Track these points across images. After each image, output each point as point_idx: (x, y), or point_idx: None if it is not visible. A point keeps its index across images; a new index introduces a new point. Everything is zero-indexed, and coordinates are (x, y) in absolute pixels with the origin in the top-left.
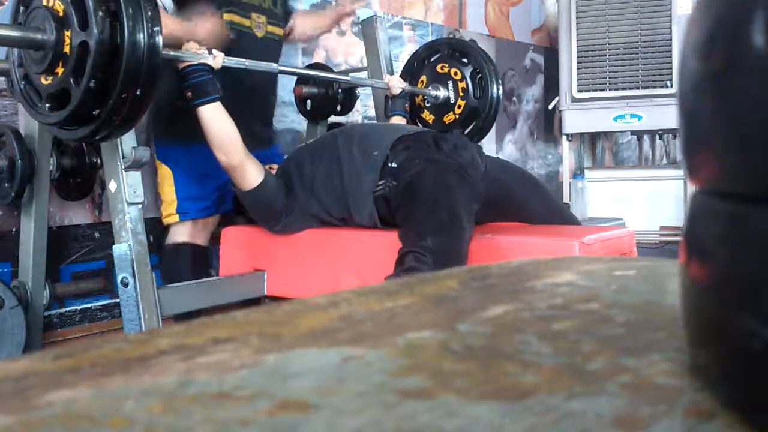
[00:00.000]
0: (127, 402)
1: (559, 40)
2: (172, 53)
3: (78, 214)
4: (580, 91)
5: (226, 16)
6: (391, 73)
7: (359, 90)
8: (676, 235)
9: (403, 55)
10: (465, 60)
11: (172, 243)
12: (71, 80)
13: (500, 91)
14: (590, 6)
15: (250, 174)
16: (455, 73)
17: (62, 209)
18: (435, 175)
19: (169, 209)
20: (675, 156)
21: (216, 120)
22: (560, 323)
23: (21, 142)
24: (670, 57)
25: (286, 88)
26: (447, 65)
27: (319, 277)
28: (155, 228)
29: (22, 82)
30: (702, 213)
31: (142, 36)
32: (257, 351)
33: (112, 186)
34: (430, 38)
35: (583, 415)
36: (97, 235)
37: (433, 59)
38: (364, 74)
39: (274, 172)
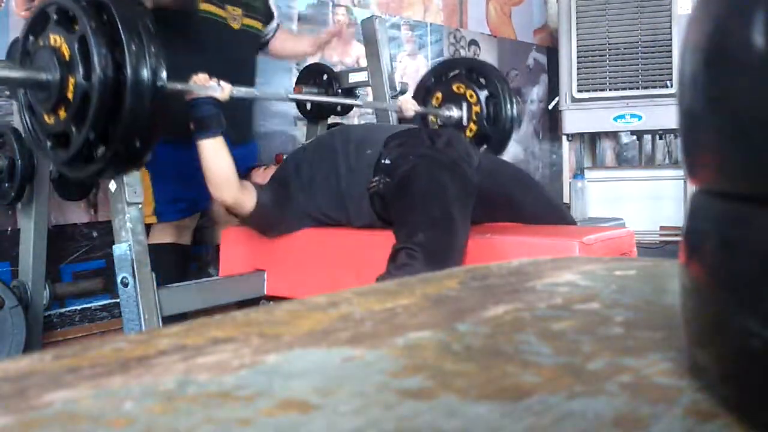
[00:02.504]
0: (127, 402)
1: (559, 40)
2: (179, 86)
3: (74, 214)
4: (580, 91)
5: (203, 6)
6: (392, 74)
7: (359, 90)
8: (676, 235)
9: (401, 55)
10: (482, 81)
11: (156, 243)
12: (72, 126)
13: (515, 116)
14: (590, 6)
15: (245, 204)
16: (470, 96)
17: (58, 209)
18: (427, 171)
19: (147, 210)
20: (676, 156)
21: (216, 157)
22: (560, 323)
23: (21, 142)
24: (670, 57)
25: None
26: (464, 86)
27: (319, 277)
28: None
29: (27, 114)
30: (702, 213)
31: (145, 83)
32: (257, 351)
33: (112, 186)
34: (428, 39)
35: (583, 415)
36: (95, 234)
37: (450, 76)
38: (364, 74)
39: (269, 170)
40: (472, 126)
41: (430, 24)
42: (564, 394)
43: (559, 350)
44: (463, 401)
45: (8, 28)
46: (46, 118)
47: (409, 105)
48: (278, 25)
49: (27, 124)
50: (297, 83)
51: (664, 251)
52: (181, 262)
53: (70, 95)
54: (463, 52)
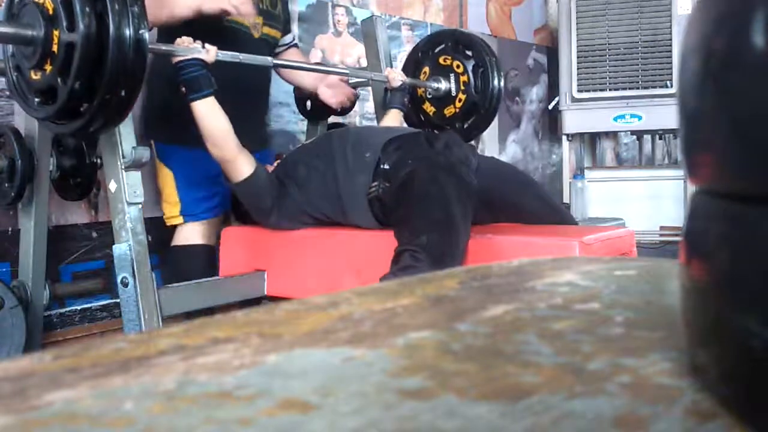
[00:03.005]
0: (127, 402)
1: (559, 40)
2: (164, 48)
3: (75, 214)
4: (580, 91)
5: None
6: None
7: (359, 90)
8: (676, 235)
9: (401, 55)
10: (468, 53)
11: (182, 244)
12: (58, 79)
13: (501, 86)
14: (590, 6)
15: (242, 166)
16: (458, 66)
17: (59, 209)
18: (427, 174)
19: (173, 211)
20: (676, 156)
21: (210, 115)
22: (560, 323)
23: (21, 142)
24: (670, 57)
25: (281, 89)
26: (450, 57)
27: (319, 277)
28: (155, 228)
29: (15, 74)
30: (702, 213)
31: (128, 35)
32: (257, 351)
33: (112, 186)
34: None
35: (583, 415)
36: (95, 234)
37: (436, 50)
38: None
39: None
40: (461, 96)
41: (431, 24)
42: (564, 394)
43: (559, 350)
44: (463, 401)
45: None
46: (32, 74)
47: (395, 74)
48: (293, 39)
49: (14, 84)
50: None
51: (664, 251)
52: (208, 263)
53: (54, 48)
54: None
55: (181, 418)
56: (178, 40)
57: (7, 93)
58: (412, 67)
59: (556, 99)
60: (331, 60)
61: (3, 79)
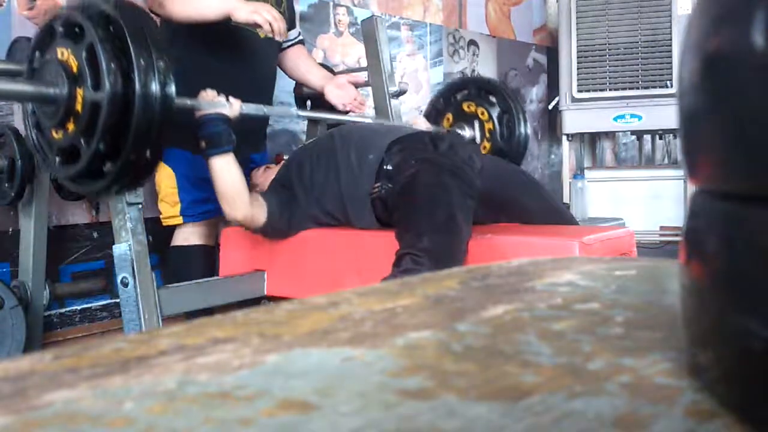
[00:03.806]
0: (127, 402)
1: (559, 40)
2: (189, 102)
3: (75, 214)
4: (580, 91)
5: None
6: (392, 74)
7: (360, 90)
8: (676, 235)
9: (401, 55)
10: (492, 99)
11: (182, 245)
12: (81, 139)
13: (528, 132)
14: (590, 6)
15: (256, 219)
16: (482, 113)
17: (59, 209)
18: (430, 176)
19: (172, 211)
20: (676, 156)
21: (226, 173)
22: (560, 323)
23: (21, 142)
24: (670, 57)
25: (283, 89)
26: (474, 104)
27: (319, 277)
28: (155, 228)
29: (34, 131)
30: (702, 213)
31: (154, 94)
32: (257, 351)
33: None
34: (428, 38)
35: (583, 415)
36: (95, 235)
37: (459, 96)
38: (363, 74)
39: (270, 170)
40: (486, 144)
41: (430, 24)
42: (564, 394)
43: (559, 350)
44: (463, 401)
45: (10, 27)
46: (53, 133)
47: (420, 123)
48: (299, 34)
49: (34, 141)
50: (297, 84)
51: (664, 251)
52: (208, 263)
53: (78, 108)
54: (462, 53)
55: (181, 418)
56: (203, 93)
57: None
58: (434, 113)
59: (556, 99)
60: (331, 60)
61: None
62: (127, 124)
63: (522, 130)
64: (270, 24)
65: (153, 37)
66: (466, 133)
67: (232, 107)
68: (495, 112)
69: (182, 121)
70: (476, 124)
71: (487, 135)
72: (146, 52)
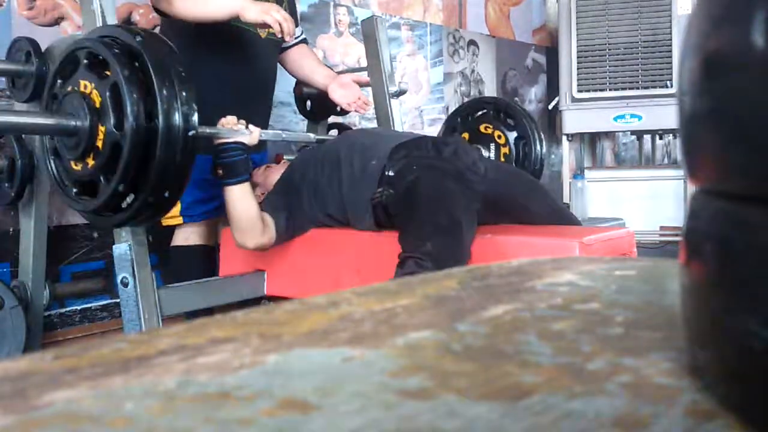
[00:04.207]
0: (127, 402)
1: (559, 40)
2: (208, 131)
3: (75, 214)
4: (580, 91)
5: None
6: (392, 74)
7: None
8: (676, 235)
9: (401, 55)
10: (510, 122)
11: (182, 245)
12: (101, 176)
13: (544, 156)
14: (590, 6)
15: (266, 244)
16: (499, 137)
17: (59, 209)
18: (433, 180)
19: (172, 211)
20: (675, 156)
21: (242, 202)
22: (560, 323)
23: (21, 143)
24: (670, 57)
25: (284, 89)
26: (491, 126)
27: (319, 277)
28: (155, 228)
29: (52, 158)
30: (702, 213)
31: (177, 133)
32: (257, 351)
33: None
34: (428, 38)
35: (583, 415)
36: (95, 235)
37: (476, 116)
38: (364, 74)
39: (270, 170)
40: None
41: (430, 24)
42: (564, 394)
43: (559, 350)
44: (463, 401)
45: (11, 27)
46: (72, 164)
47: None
48: (302, 33)
49: (51, 168)
50: (297, 84)
51: (664, 251)
52: (208, 263)
53: (99, 144)
54: (462, 53)
55: (181, 418)
56: (223, 120)
57: (8, 93)
58: (450, 132)
59: (556, 99)
60: (332, 60)
61: (3, 79)
62: (149, 162)
63: (538, 152)
64: (280, 24)
65: (178, 75)
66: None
67: (252, 135)
68: (512, 137)
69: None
70: (492, 147)
71: (503, 159)
72: (171, 90)
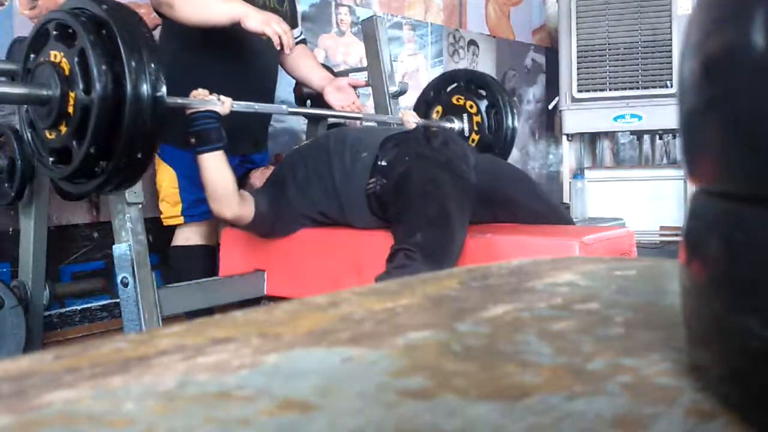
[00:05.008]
0: (127, 402)
1: (559, 40)
2: (179, 101)
3: (76, 215)
4: (580, 91)
5: None
6: (392, 73)
7: (359, 90)
8: (676, 235)
9: (402, 55)
10: (482, 92)
11: (182, 245)
12: (74, 141)
13: (515, 126)
14: (590, 6)
15: (244, 217)
16: (471, 106)
17: (60, 209)
18: (423, 171)
19: (173, 211)
20: (675, 156)
21: (216, 170)
22: (560, 323)
23: (21, 142)
24: (670, 57)
25: (285, 89)
26: (463, 97)
27: (319, 277)
28: (155, 228)
29: (29, 131)
30: (702, 213)
31: (145, 96)
32: (257, 351)
33: None
34: (429, 38)
35: (583, 415)
36: (95, 235)
37: (449, 89)
38: (364, 74)
39: (268, 171)
40: (474, 136)
41: (431, 24)
42: (564, 394)
43: (559, 350)
44: (463, 401)
45: (12, 27)
46: (47, 134)
47: (409, 117)
48: (301, 34)
49: (29, 140)
50: (297, 84)
51: (664, 251)
52: (209, 263)
53: (70, 110)
54: (462, 53)
55: (181, 418)
56: (194, 92)
57: None
58: (424, 106)
59: (556, 99)
60: (333, 60)
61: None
62: (119, 126)
63: (510, 123)
64: (280, 37)
65: (144, 39)
66: (455, 125)
67: (224, 105)
68: (483, 105)
69: (183, 120)
70: (465, 117)
71: (476, 128)
72: (137, 55)
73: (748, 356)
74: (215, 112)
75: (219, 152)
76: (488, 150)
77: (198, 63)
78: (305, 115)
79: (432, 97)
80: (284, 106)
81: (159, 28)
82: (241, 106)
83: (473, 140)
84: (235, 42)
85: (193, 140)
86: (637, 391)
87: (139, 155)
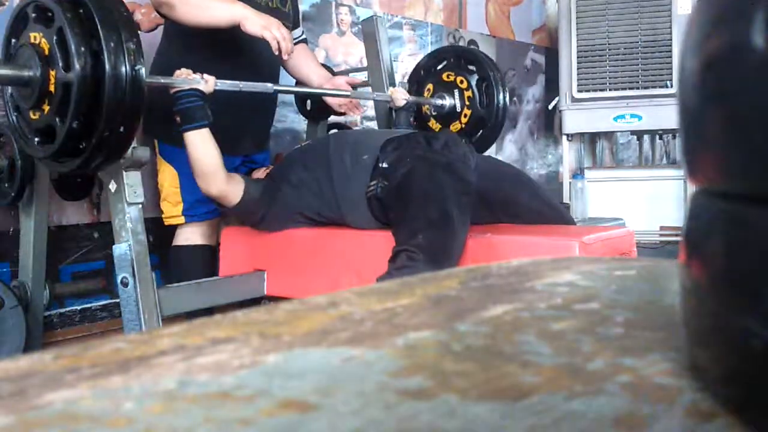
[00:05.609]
0: (127, 402)
1: (559, 40)
2: (162, 80)
3: (76, 214)
4: (580, 91)
5: None
6: (392, 73)
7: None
8: (676, 235)
9: (402, 55)
10: (471, 68)
11: (183, 245)
12: (56, 119)
13: (506, 99)
14: (590, 6)
15: (232, 195)
16: (461, 82)
17: (60, 209)
18: (425, 173)
19: (174, 211)
20: (675, 156)
21: (201, 147)
22: (560, 323)
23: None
24: (670, 57)
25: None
26: (453, 74)
27: (319, 277)
28: (155, 228)
29: (14, 114)
30: (702, 213)
31: (124, 72)
32: (257, 351)
33: (112, 186)
34: (429, 38)
35: (583, 415)
36: (96, 235)
37: (439, 67)
38: (363, 74)
39: (263, 172)
40: (466, 111)
41: (431, 24)
42: (564, 394)
43: (559, 350)
44: (463, 401)
45: None
46: (31, 114)
47: (399, 94)
48: (303, 33)
49: (14, 123)
50: (297, 83)
51: (664, 251)
52: (210, 263)
53: (52, 89)
54: None
55: (181, 418)
56: (177, 71)
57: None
58: (415, 85)
59: (556, 99)
60: (334, 60)
61: None
62: (99, 102)
63: (501, 97)
64: (278, 42)
65: (122, 18)
66: (447, 102)
67: (207, 83)
68: (474, 80)
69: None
70: (456, 93)
71: (467, 102)
72: (115, 33)
73: (747, 356)
74: (199, 90)
75: (204, 130)
76: (482, 124)
77: (199, 62)
78: (291, 92)
79: (422, 75)
80: (269, 84)
81: (160, 27)
82: (225, 84)
83: (465, 115)
84: (237, 42)
85: (178, 119)
86: (637, 391)
87: (122, 129)
